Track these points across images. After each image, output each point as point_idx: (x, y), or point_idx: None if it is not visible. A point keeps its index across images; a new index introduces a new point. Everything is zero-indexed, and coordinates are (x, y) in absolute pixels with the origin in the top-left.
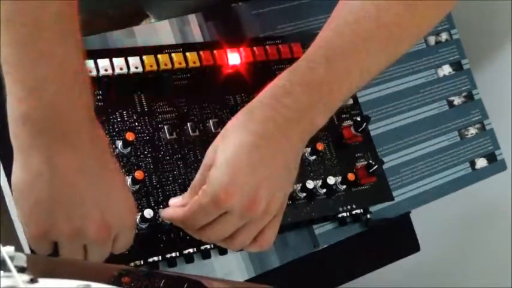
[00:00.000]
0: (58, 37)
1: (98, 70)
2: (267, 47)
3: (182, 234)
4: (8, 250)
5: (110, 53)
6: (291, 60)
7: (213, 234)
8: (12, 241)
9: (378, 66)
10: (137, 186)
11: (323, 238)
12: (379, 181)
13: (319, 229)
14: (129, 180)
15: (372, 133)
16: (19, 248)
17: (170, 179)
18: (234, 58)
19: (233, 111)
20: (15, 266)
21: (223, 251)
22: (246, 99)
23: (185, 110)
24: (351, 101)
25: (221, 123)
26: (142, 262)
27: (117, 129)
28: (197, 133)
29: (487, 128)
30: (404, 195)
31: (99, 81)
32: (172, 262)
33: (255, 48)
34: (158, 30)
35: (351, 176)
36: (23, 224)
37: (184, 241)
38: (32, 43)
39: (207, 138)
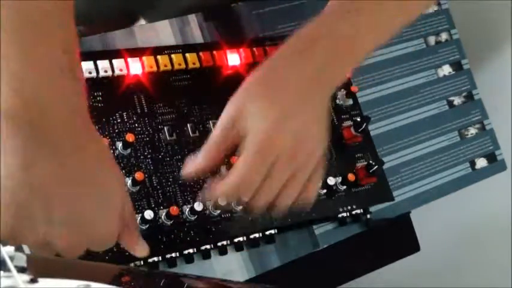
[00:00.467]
0: (41, 32)
1: (97, 71)
2: (267, 47)
3: (182, 234)
4: (8, 250)
5: (110, 54)
6: None
7: (266, 194)
8: None
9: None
10: (137, 188)
11: (323, 238)
12: (379, 181)
13: (319, 229)
14: (129, 181)
15: (372, 133)
16: (19, 248)
17: (170, 180)
18: (233, 59)
19: None
20: (15, 266)
21: (223, 251)
22: None
23: (185, 111)
24: (350, 101)
25: None
26: (142, 262)
27: (117, 131)
28: (197, 134)
29: (487, 128)
30: (404, 195)
31: (99, 83)
32: (172, 262)
33: (254, 48)
34: (158, 31)
35: (351, 177)
36: None
37: (185, 241)
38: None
39: (207, 139)
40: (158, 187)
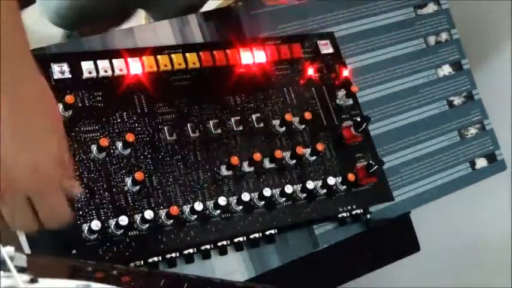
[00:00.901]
0: None
1: (97, 71)
2: (267, 47)
3: (182, 234)
4: (8, 250)
5: (110, 54)
6: (291, 60)
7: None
8: (12, 241)
9: None
10: (137, 187)
11: (323, 238)
12: (379, 181)
13: (319, 229)
14: (129, 181)
15: (372, 133)
16: (19, 248)
17: (170, 180)
18: (234, 59)
19: (233, 112)
20: (15, 266)
21: (223, 251)
22: (246, 100)
23: (185, 111)
24: (350, 101)
25: (221, 124)
26: (142, 262)
27: (117, 130)
28: (197, 134)
29: (487, 128)
30: (404, 195)
31: (99, 82)
32: (172, 262)
33: (255, 48)
34: (158, 31)
35: (351, 177)
36: None
37: (184, 241)
38: None
39: (207, 139)
40: (158, 187)
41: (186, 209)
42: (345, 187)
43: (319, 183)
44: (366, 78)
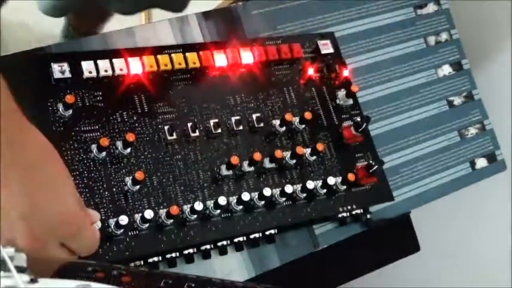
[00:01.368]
0: None
1: (98, 71)
2: (267, 47)
3: (182, 234)
4: (8, 250)
5: (110, 54)
6: (291, 60)
7: None
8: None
9: None
10: (137, 187)
11: (323, 238)
12: (379, 181)
13: (319, 229)
14: (129, 180)
15: (372, 133)
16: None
17: (170, 179)
18: (233, 59)
19: (233, 112)
20: (15, 266)
21: (223, 251)
22: (245, 100)
23: (185, 111)
24: (350, 101)
25: (221, 124)
26: (142, 262)
27: (117, 130)
28: (197, 134)
29: (487, 128)
30: (404, 195)
31: (99, 82)
32: (172, 262)
33: (255, 48)
34: (158, 30)
35: (351, 176)
36: None
37: (185, 241)
38: None
39: (207, 139)
40: (158, 186)
41: (186, 208)
42: (345, 187)
43: (319, 183)
44: (366, 78)
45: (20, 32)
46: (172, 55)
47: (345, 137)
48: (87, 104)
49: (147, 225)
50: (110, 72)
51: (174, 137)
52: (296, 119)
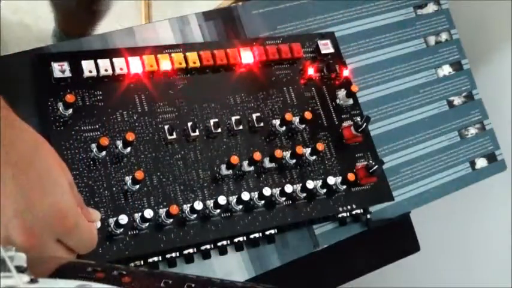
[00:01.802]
0: None
1: (98, 70)
2: (267, 47)
3: (182, 234)
4: (8, 250)
5: (110, 53)
6: (291, 60)
7: None
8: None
9: None
10: (137, 186)
11: (323, 238)
12: (379, 181)
13: (319, 229)
14: (129, 180)
15: (372, 133)
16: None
17: (170, 179)
18: (234, 58)
19: (233, 111)
20: (15, 266)
21: (223, 251)
22: (245, 99)
23: (185, 110)
24: (351, 101)
25: (221, 124)
26: (142, 262)
27: (117, 129)
28: (197, 133)
29: (487, 128)
30: (404, 195)
31: (99, 82)
32: (172, 262)
33: (255, 48)
34: (158, 30)
35: (351, 176)
36: None
37: (184, 240)
38: None
39: (207, 139)
40: (158, 186)
41: (186, 208)
42: (344, 187)
43: (319, 182)
44: (366, 78)
45: (20, 32)
46: (173, 54)
47: (345, 137)
48: (87, 103)
49: (146, 224)
50: (110, 72)
51: (174, 136)
52: (296, 119)
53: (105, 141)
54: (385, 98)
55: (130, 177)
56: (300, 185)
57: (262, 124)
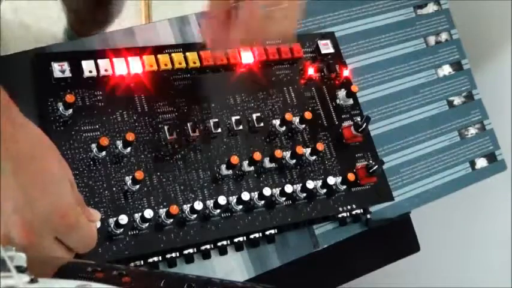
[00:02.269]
0: None
1: (98, 70)
2: (267, 47)
3: (182, 234)
4: (8, 250)
5: (110, 53)
6: (291, 60)
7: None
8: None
9: None
10: (137, 187)
11: (323, 238)
12: (379, 181)
13: (319, 229)
14: (129, 180)
15: (372, 133)
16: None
17: (170, 179)
18: (234, 58)
19: (233, 111)
20: (15, 266)
21: (223, 251)
22: (245, 99)
23: (185, 110)
24: (351, 101)
25: (221, 124)
26: (142, 262)
27: (117, 129)
28: (197, 133)
29: (487, 128)
30: (404, 195)
31: (99, 82)
32: (172, 262)
33: (255, 48)
34: (158, 30)
35: (351, 176)
36: None
37: (184, 240)
38: None
39: (207, 138)
40: (158, 186)
41: (186, 208)
42: (344, 187)
43: (319, 183)
44: (366, 78)
45: (20, 32)
46: (173, 54)
47: (345, 137)
48: (87, 103)
49: (146, 224)
50: (110, 72)
51: (174, 136)
52: (296, 119)
53: (105, 141)
54: (385, 98)
55: (130, 177)
56: (300, 185)
57: (262, 124)
